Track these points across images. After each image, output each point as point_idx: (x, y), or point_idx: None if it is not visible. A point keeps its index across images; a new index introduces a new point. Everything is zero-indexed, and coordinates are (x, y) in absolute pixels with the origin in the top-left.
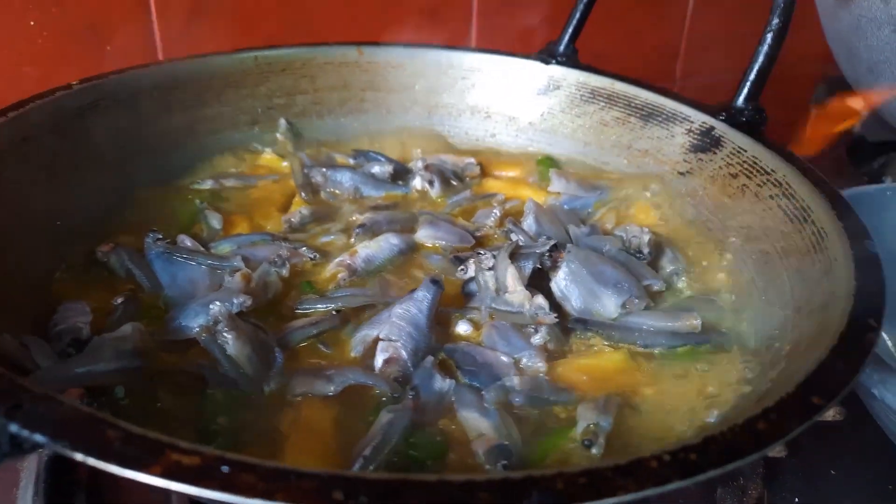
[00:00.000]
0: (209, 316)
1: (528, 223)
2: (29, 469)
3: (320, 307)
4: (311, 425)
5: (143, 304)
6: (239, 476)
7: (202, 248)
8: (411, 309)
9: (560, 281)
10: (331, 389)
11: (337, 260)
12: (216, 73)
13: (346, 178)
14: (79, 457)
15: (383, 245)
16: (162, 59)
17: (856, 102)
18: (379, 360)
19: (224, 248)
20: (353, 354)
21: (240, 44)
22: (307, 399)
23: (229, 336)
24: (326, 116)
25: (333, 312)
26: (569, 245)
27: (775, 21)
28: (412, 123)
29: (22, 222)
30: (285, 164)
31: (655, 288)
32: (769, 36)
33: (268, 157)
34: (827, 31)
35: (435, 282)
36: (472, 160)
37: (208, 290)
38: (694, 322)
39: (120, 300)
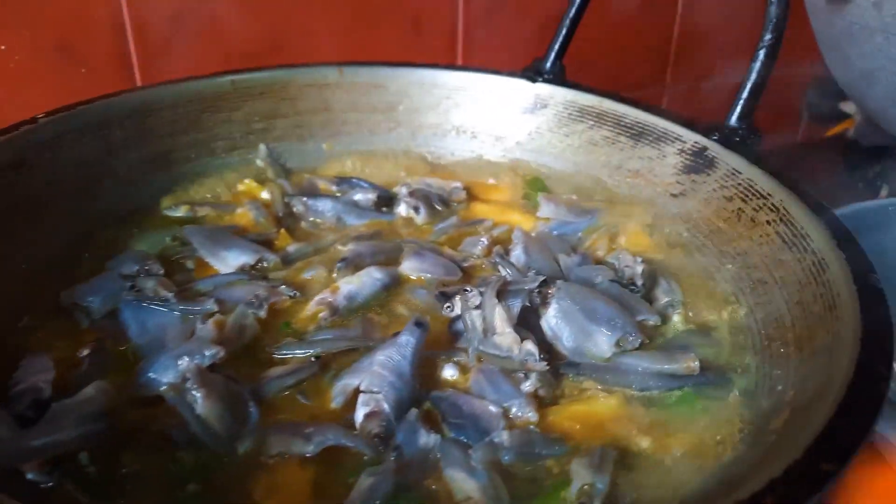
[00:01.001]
0: (178, 371)
1: (517, 254)
2: None
3: (299, 353)
4: (288, 490)
5: (112, 354)
6: None
7: (172, 293)
8: (394, 356)
9: (550, 319)
10: (309, 449)
11: (317, 298)
12: (191, 99)
13: (328, 208)
14: None
15: (365, 280)
16: (139, 79)
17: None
18: (360, 415)
19: (199, 289)
20: (333, 405)
21: (220, 61)
22: (283, 460)
23: (198, 394)
24: (308, 140)
25: (313, 359)
26: (558, 281)
27: (768, 37)
28: (396, 145)
29: None
30: (265, 192)
31: (651, 323)
32: (762, 53)
33: (247, 184)
34: (818, 37)
35: (419, 324)
36: (459, 184)
37: (180, 338)
38: (692, 365)
39: (86, 352)
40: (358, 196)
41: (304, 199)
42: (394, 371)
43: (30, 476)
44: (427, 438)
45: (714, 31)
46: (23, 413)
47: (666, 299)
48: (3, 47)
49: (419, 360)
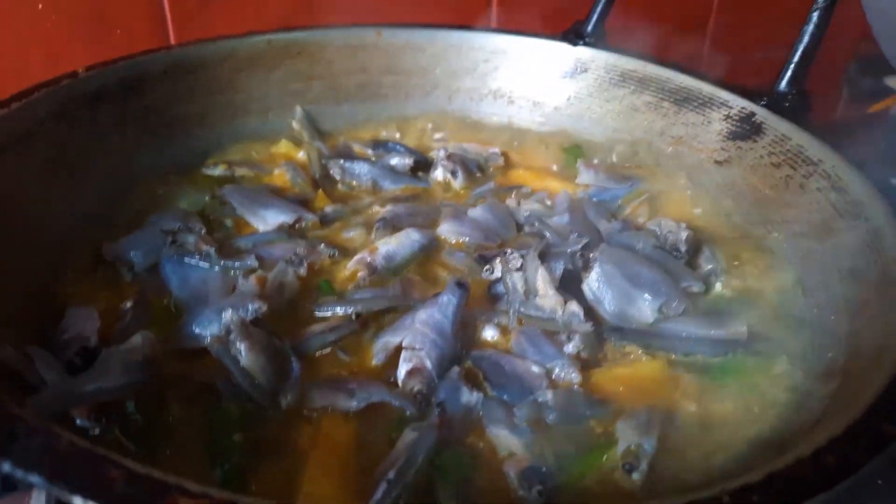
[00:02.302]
0: (221, 325)
1: (561, 218)
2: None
3: (339, 310)
4: (332, 442)
5: (153, 307)
6: None
7: (213, 248)
8: (435, 314)
9: (593, 283)
10: (353, 405)
11: (356, 258)
12: (227, 58)
13: (364, 171)
14: (78, 501)
15: (404, 241)
16: (173, 41)
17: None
18: (402, 371)
19: (239, 246)
20: (374, 363)
21: (252, 25)
22: (326, 413)
23: (242, 346)
24: (343, 102)
25: (353, 317)
26: (601, 244)
27: None
28: (433, 108)
29: (24, 220)
30: (301, 154)
31: (694, 290)
32: (815, 15)
33: (283, 145)
34: (867, 7)
35: (460, 284)
36: (496, 150)
37: (221, 293)
38: (740, 329)
39: (129, 304)
40: (394, 160)
41: (341, 161)
42: (435, 329)
43: (79, 422)
44: (469, 396)
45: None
46: (71, 360)
47: (709, 266)
48: (39, 6)
49: (460, 319)
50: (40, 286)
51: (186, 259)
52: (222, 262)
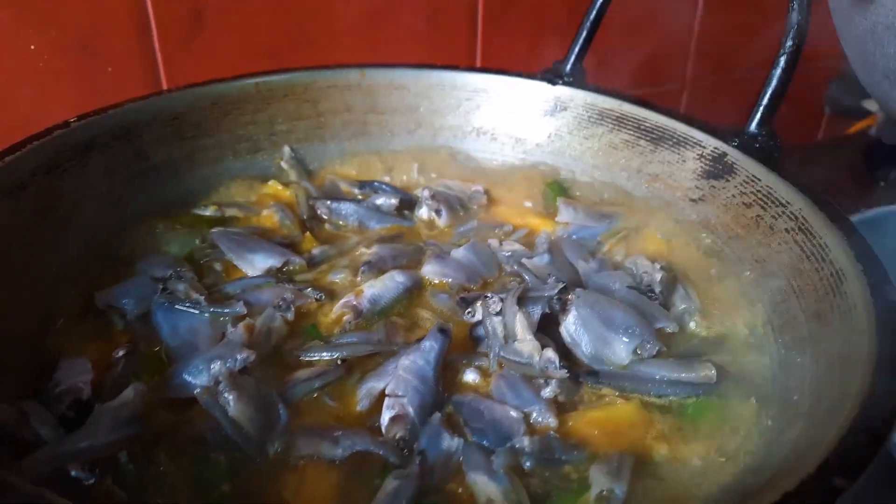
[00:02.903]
0: (210, 375)
1: (542, 258)
2: None
3: (325, 356)
4: (316, 492)
5: (145, 355)
6: None
7: (203, 295)
8: (418, 361)
9: (570, 326)
10: (338, 454)
11: (342, 301)
12: (216, 101)
13: (350, 211)
14: None
15: (388, 284)
16: (163, 76)
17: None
18: (385, 418)
19: (228, 291)
20: (358, 408)
21: (243, 58)
22: (312, 462)
23: (230, 397)
24: (329, 141)
25: (338, 362)
26: (577, 289)
27: (789, 44)
28: (417, 146)
29: (14, 271)
30: (289, 192)
31: (668, 330)
32: (783, 59)
33: (271, 186)
34: (841, 35)
35: (443, 331)
36: (479, 188)
37: (210, 341)
38: (709, 373)
39: (121, 353)
40: (380, 200)
41: (328, 202)
42: (418, 375)
43: (73, 474)
44: (450, 442)
45: (734, 31)
46: (64, 413)
47: (683, 306)
48: (32, 47)
49: (442, 364)
50: (31, 336)
51: (177, 306)
52: (211, 309)
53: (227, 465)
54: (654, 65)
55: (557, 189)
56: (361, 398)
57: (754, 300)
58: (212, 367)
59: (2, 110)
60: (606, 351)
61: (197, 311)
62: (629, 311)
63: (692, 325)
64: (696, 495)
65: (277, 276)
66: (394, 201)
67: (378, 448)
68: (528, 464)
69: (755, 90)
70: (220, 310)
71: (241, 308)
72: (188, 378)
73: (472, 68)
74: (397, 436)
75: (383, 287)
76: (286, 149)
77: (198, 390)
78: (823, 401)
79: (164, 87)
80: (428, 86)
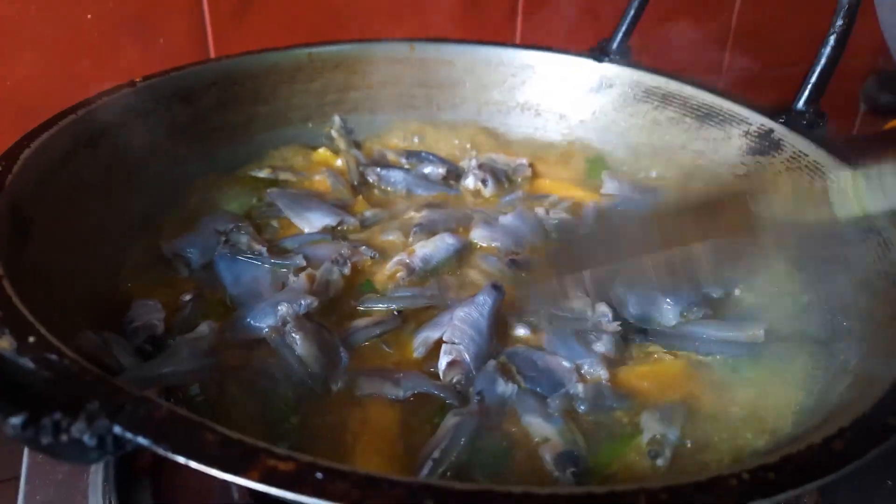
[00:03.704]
0: (277, 317)
1: (588, 225)
2: None
3: (382, 307)
4: (379, 426)
5: (209, 300)
6: (333, 483)
7: (264, 247)
8: (473, 313)
9: (618, 287)
10: (399, 394)
11: (396, 259)
12: (271, 70)
13: (399, 179)
14: (180, 459)
15: (439, 245)
16: (212, 50)
17: None
18: (443, 363)
19: (286, 246)
20: (415, 355)
21: (289, 34)
22: (374, 399)
23: (297, 336)
24: (378, 112)
25: (395, 313)
26: None
27: (839, 23)
28: (462, 120)
29: (88, 220)
30: (339, 161)
31: (714, 295)
32: (832, 38)
33: (322, 153)
34: (884, 26)
35: (496, 287)
36: (524, 161)
37: (272, 289)
38: (757, 332)
39: (188, 297)
40: (428, 169)
41: (378, 169)
42: (473, 326)
43: None
44: (505, 387)
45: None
46: (140, 346)
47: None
48: (88, 17)
49: (495, 319)
50: (105, 282)
51: (239, 257)
52: (273, 260)
53: (295, 399)
54: (693, 53)
55: (602, 163)
56: (418, 346)
57: (800, 268)
58: (278, 309)
59: (60, 78)
60: (654, 312)
61: (259, 262)
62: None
63: (737, 291)
64: (747, 440)
65: (333, 234)
66: (441, 171)
67: (437, 390)
68: (581, 407)
69: (791, 87)
70: (281, 261)
71: (300, 260)
72: (255, 321)
73: (518, 45)
74: (454, 380)
75: (434, 248)
76: (336, 118)
77: (266, 330)
78: (870, 360)
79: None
80: (474, 61)
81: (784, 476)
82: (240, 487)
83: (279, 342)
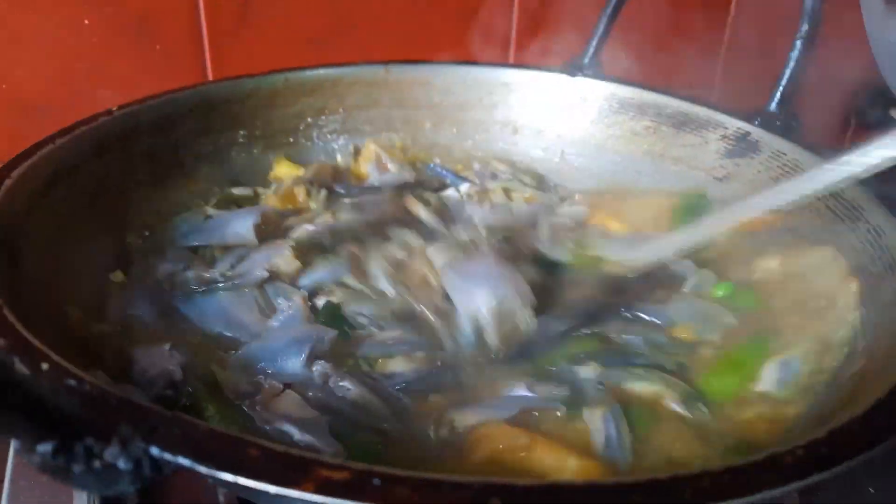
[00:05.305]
0: (301, 360)
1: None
2: None
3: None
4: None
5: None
6: (392, 489)
7: (216, 272)
8: None
9: None
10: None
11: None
12: (249, 94)
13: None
14: (227, 477)
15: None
16: (209, 58)
17: None
18: None
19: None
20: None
21: (286, 42)
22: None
23: (345, 383)
24: (355, 134)
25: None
26: None
27: (804, 27)
28: (441, 139)
29: (73, 252)
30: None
31: None
32: (798, 42)
33: (290, 172)
34: (873, 42)
35: None
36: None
37: (254, 313)
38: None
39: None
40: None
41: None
42: None
43: None
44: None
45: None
46: (160, 394)
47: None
48: (86, 22)
49: None
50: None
51: (196, 293)
52: (232, 282)
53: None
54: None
55: None
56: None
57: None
58: (300, 354)
59: (58, 83)
60: None
61: (220, 290)
62: None
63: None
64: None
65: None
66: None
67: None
68: None
69: None
70: (240, 280)
71: (260, 271)
72: (271, 366)
73: (493, 63)
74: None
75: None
76: (314, 139)
77: (298, 378)
78: (881, 340)
79: (209, 67)
80: (451, 81)
81: (837, 449)
82: (227, 496)
83: (328, 393)
